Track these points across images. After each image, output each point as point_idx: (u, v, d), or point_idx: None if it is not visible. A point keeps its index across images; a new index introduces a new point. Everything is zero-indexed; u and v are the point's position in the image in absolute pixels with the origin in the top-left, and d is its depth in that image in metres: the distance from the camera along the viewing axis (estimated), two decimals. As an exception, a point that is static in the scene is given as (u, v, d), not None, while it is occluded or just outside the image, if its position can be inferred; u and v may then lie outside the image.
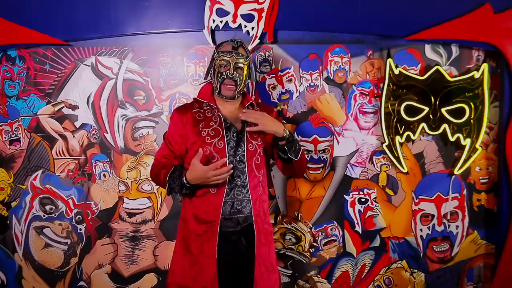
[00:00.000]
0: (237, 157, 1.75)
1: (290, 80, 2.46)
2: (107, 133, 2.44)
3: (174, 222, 2.45)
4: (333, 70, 2.48)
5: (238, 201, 1.75)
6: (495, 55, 2.48)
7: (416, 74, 2.45)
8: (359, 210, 2.55)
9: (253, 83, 2.43)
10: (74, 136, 2.44)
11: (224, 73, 1.74)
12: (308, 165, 2.49)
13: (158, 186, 2.44)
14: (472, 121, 2.46)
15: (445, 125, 2.45)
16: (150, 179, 1.92)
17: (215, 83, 1.79)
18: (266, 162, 1.86)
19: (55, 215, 2.46)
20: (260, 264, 1.77)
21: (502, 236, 2.50)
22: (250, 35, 2.35)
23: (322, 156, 2.50)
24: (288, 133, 1.74)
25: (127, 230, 2.48)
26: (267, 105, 2.03)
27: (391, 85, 2.43)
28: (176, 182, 1.67)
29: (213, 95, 1.84)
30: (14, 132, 2.43)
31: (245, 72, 1.77)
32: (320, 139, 2.49)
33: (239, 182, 1.75)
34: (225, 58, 1.74)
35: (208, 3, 2.31)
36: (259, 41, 2.36)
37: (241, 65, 1.75)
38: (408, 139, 2.49)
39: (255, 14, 2.32)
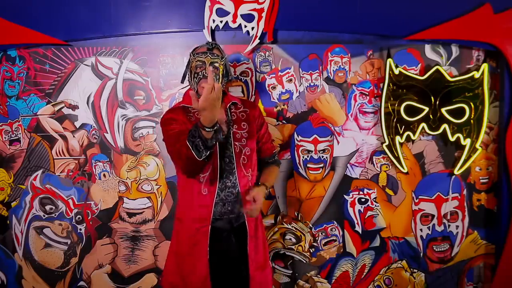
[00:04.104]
0: (226, 159, 1.77)
1: (290, 80, 2.46)
2: (107, 133, 2.44)
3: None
4: (333, 70, 2.47)
5: (229, 202, 1.77)
6: (495, 55, 2.48)
7: (416, 74, 2.45)
8: (359, 210, 2.55)
9: (253, 83, 2.43)
10: (74, 136, 2.44)
11: (200, 73, 1.75)
12: (308, 165, 2.50)
13: (158, 186, 2.45)
14: (472, 121, 2.46)
15: (445, 125, 2.45)
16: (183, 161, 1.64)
17: (192, 85, 1.81)
18: (253, 162, 1.87)
19: (55, 215, 2.46)
20: (253, 261, 1.79)
21: (502, 236, 2.50)
22: (250, 35, 2.35)
23: (322, 156, 2.50)
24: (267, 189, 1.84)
25: (127, 230, 2.48)
26: (250, 101, 2.04)
27: (391, 85, 2.43)
28: (196, 134, 1.51)
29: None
30: (14, 132, 2.43)
31: (221, 71, 1.78)
32: (320, 139, 2.49)
33: (229, 183, 1.77)
34: (201, 58, 1.75)
35: (208, 3, 2.31)
36: (259, 41, 2.36)
37: (216, 64, 1.76)
38: (408, 139, 2.48)
39: (255, 14, 2.32)
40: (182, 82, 1.92)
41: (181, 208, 1.86)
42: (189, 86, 1.89)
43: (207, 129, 1.49)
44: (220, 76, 1.78)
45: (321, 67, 2.46)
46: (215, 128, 1.50)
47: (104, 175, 2.46)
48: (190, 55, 1.83)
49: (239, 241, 1.80)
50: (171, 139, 1.70)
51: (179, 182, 1.88)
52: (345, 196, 2.54)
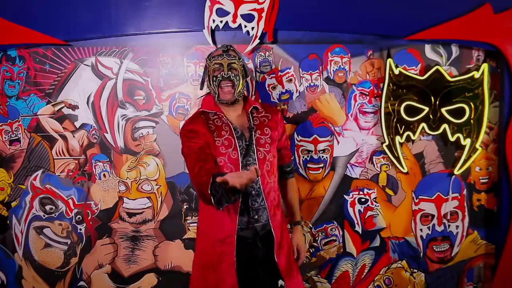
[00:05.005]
0: (249, 167, 1.71)
1: (290, 80, 2.46)
2: (107, 133, 2.44)
3: (174, 222, 2.47)
4: (333, 70, 2.47)
5: (254, 210, 1.73)
6: (495, 55, 2.48)
7: (416, 74, 2.45)
8: (359, 210, 2.55)
9: (253, 83, 2.43)
10: (74, 136, 2.44)
11: (219, 76, 1.73)
12: (308, 165, 2.50)
13: (158, 186, 2.45)
14: (472, 121, 2.46)
15: (445, 125, 2.45)
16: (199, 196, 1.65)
17: (213, 89, 1.78)
18: (275, 168, 1.84)
19: (55, 215, 2.46)
20: (283, 268, 1.76)
21: (502, 236, 2.50)
22: (250, 35, 2.35)
23: (322, 156, 2.50)
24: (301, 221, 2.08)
25: (127, 230, 2.48)
26: (271, 106, 1.99)
27: (391, 85, 2.43)
28: (218, 191, 1.47)
29: (216, 104, 1.81)
30: (14, 132, 2.43)
31: (240, 72, 1.76)
32: (320, 139, 2.48)
33: (253, 191, 1.73)
34: (217, 61, 1.74)
35: (208, 3, 2.31)
36: (259, 41, 2.36)
37: (234, 65, 1.74)
38: (408, 139, 2.48)
39: (255, 14, 2.32)
40: (201, 89, 1.90)
41: (204, 219, 1.79)
42: (205, 93, 1.87)
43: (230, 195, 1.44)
44: (240, 77, 1.76)
45: (321, 67, 2.46)
46: (239, 194, 1.45)
47: (104, 175, 2.46)
48: (206, 60, 1.81)
49: (265, 249, 1.76)
50: (191, 157, 1.65)
51: None
52: (345, 196, 2.54)
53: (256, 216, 1.74)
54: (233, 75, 1.74)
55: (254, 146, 1.75)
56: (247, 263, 1.73)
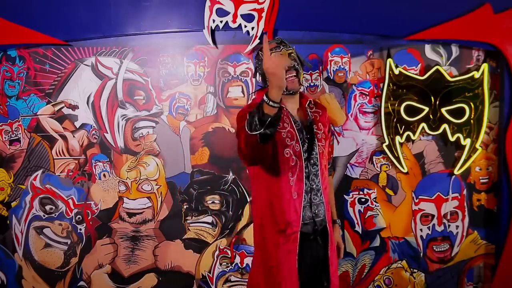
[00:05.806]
0: (311, 160, 1.71)
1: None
2: (107, 133, 2.44)
3: (174, 222, 2.47)
4: (333, 70, 2.47)
5: (315, 205, 1.72)
6: (495, 55, 2.48)
7: (416, 74, 2.45)
8: (359, 210, 2.55)
9: (253, 83, 2.43)
10: (74, 136, 2.44)
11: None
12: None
13: (158, 186, 2.45)
14: (472, 121, 2.46)
15: (445, 125, 2.45)
16: (242, 149, 1.54)
17: None
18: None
19: (55, 215, 2.46)
20: (333, 264, 1.77)
21: (502, 236, 2.50)
22: (250, 35, 2.35)
23: (322, 156, 2.50)
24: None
25: (127, 230, 2.48)
26: (318, 101, 1.97)
27: (391, 85, 2.43)
28: (257, 107, 1.42)
29: None
30: (14, 132, 2.43)
31: (298, 62, 1.74)
32: (320, 139, 2.48)
33: (314, 185, 1.72)
34: (278, 52, 1.70)
35: (208, 3, 2.31)
36: (259, 41, 2.36)
37: (293, 55, 1.73)
38: (408, 139, 2.48)
39: (255, 14, 2.32)
40: (264, 85, 1.81)
41: (266, 214, 1.72)
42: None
43: (270, 103, 1.38)
44: (300, 66, 1.73)
45: (321, 67, 2.46)
46: (278, 105, 1.39)
47: (104, 175, 2.46)
48: (261, 55, 1.76)
49: (323, 244, 1.75)
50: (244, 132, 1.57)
51: (262, 185, 1.73)
52: (345, 196, 2.54)
53: (316, 211, 1.73)
54: (295, 63, 1.72)
55: (316, 141, 1.73)
56: (306, 259, 1.71)
